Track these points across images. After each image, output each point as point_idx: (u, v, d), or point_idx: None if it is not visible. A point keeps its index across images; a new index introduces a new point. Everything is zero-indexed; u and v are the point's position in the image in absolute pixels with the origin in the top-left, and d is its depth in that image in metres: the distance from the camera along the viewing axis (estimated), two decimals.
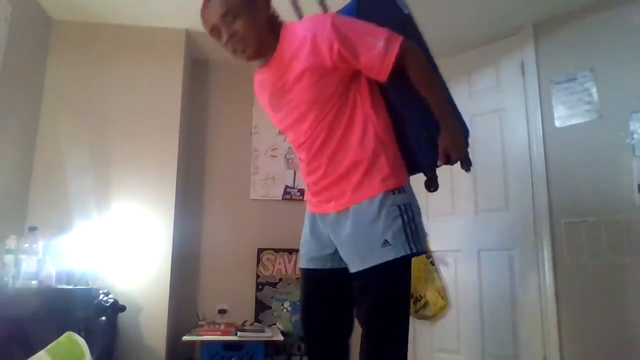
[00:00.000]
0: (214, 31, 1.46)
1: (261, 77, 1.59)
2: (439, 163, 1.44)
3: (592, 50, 2.70)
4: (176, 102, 3.08)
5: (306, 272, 1.61)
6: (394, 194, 1.42)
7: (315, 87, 1.43)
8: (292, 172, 3.50)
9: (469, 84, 3.23)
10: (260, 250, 3.32)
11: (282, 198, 3.46)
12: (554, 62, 2.85)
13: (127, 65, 3.05)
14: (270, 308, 3.25)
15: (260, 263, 3.31)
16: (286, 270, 3.31)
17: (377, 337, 1.39)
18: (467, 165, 1.44)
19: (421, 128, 1.47)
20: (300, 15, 1.85)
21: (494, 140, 3.04)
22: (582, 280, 2.59)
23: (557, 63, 2.83)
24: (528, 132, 2.90)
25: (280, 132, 1.64)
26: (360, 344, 1.42)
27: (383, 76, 1.40)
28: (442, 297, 3.07)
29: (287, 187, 3.47)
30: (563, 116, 2.77)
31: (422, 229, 1.45)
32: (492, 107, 3.09)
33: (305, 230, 1.65)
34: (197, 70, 3.50)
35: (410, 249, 1.37)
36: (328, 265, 1.55)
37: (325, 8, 1.80)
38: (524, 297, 2.80)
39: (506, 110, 3.03)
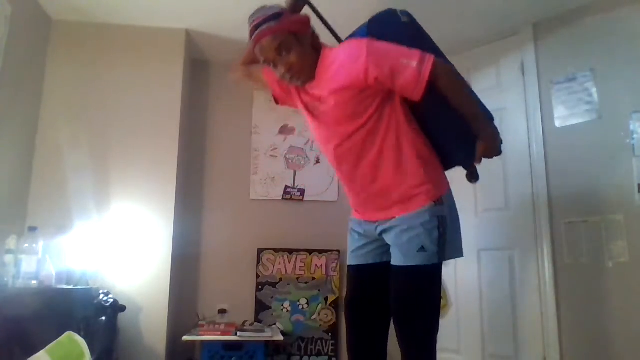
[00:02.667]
0: (268, 62, 1.58)
1: (297, 89, 1.70)
2: (475, 163, 1.60)
3: (592, 50, 2.70)
4: (176, 102, 3.08)
5: (357, 267, 1.79)
6: (435, 204, 1.59)
7: (349, 104, 1.56)
8: (292, 172, 3.50)
9: (469, 84, 3.22)
10: (260, 250, 3.32)
11: (282, 198, 3.46)
12: (554, 62, 2.85)
13: (127, 65, 3.05)
14: (270, 308, 3.25)
15: (260, 263, 3.31)
16: (286, 270, 3.31)
17: (407, 334, 1.59)
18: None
19: (456, 133, 1.62)
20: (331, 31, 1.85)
21: None
22: (582, 280, 2.59)
23: (557, 63, 2.83)
24: (528, 132, 2.90)
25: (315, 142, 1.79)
26: (396, 334, 1.62)
27: (418, 95, 1.50)
28: (442, 297, 3.07)
29: (287, 187, 3.47)
30: (563, 116, 2.77)
31: (454, 239, 1.65)
32: (492, 107, 3.01)
33: (354, 235, 1.80)
34: (197, 70, 3.50)
35: (439, 258, 1.59)
36: (377, 260, 1.74)
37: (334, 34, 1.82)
38: (524, 297, 2.80)
39: (506, 110, 3.03)
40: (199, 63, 3.53)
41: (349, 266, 1.85)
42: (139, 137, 2.98)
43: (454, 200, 1.69)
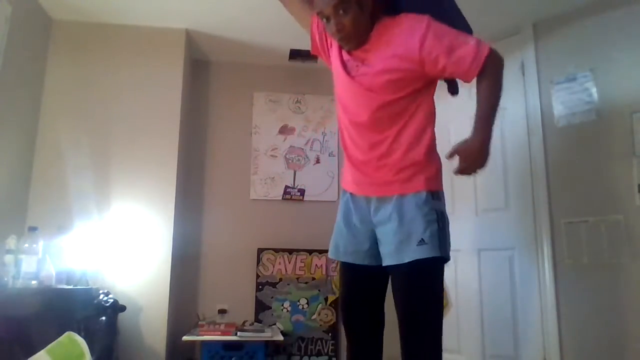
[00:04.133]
0: (322, 16, 1.54)
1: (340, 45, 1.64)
2: (454, 170, 1.50)
3: (592, 50, 2.70)
4: (176, 102, 3.08)
5: (346, 265, 1.69)
6: (433, 198, 1.55)
7: (393, 73, 1.52)
8: (292, 172, 3.50)
9: (469, 84, 3.22)
10: (260, 250, 3.32)
11: (282, 198, 3.46)
12: (554, 62, 2.85)
13: (127, 65, 3.05)
14: (270, 308, 3.25)
15: (260, 263, 3.31)
16: (286, 270, 3.31)
17: (415, 328, 1.51)
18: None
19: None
20: None
21: (494, 140, 3.02)
22: (582, 280, 2.59)
23: (557, 63, 2.83)
24: (528, 132, 2.90)
25: (334, 99, 1.76)
26: (400, 333, 1.53)
27: (473, 72, 1.49)
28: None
29: (287, 187, 3.47)
30: (563, 116, 2.77)
31: (449, 239, 1.57)
32: None
33: (340, 222, 1.71)
34: (197, 70, 3.50)
35: (441, 252, 1.51)
36: (366, 262, 1.64)
37: None
38: (524, 297, 2.80)
39: (506, 110, 3.03)
40: (199, 63, 3.53)
41: (343, 263, 1.70)
42: (139, 137, 2.98)
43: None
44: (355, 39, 1.55)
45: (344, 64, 1.63)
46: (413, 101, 1.57)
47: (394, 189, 1.56)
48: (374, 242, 1.63)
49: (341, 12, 1.49)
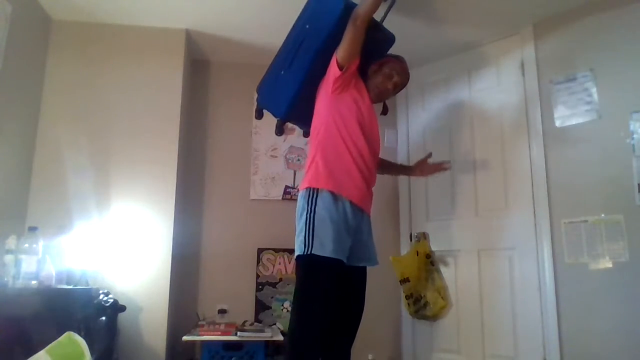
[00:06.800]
0: (393, 76, 2.25)
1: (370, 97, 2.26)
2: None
3: (592, 50, 2.70)
4: (176, 102, 3.08)
5: (340, 262, 1.97)
6: None
7: None
8: (292, 172, 3.50)
9: (469, 84, 3.23)
10: (260, 250, 3.32)
11: (282, 198, 3.46)
12: (554, 62, 2.85)
13: (127, 65, 3.05)
14: (270, 308, 3.25)
15: (260, 263, 3.31)
16: (286, 270, 3.31)
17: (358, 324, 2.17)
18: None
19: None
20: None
21: (494, 140, 3.04)
22: (582, 280, 2.59)
23: (557, 63, 2.83)
24: (528, 132, 2.90)
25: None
26: (355, 315, 2.15)
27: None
28: (442, 297, 3.07)
29: (287, 187, 3.47)
30: (563, 116, 2.77)
31: None
32: (492, 107, 3.09)
33: (340, 225, 1.98)
34: (197, 70, 3.50)
35: None
36: (346, 262, 2.04)
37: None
38: (524, 297, 2.80)
39: (506, 110, 3.03)
40: (199, 63, 3.53)
41: (339, 260, 1.96)
42: (139, 137, 2.98)
43: None
44: (382, 100, 2.34)
45: (369, 111, 2.19)
46: None
47: (369, 208, 2.18)
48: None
49: (397, 89, 2.30)
